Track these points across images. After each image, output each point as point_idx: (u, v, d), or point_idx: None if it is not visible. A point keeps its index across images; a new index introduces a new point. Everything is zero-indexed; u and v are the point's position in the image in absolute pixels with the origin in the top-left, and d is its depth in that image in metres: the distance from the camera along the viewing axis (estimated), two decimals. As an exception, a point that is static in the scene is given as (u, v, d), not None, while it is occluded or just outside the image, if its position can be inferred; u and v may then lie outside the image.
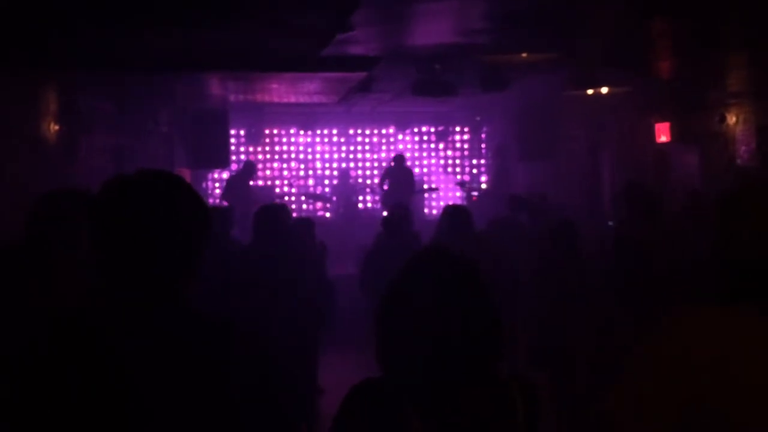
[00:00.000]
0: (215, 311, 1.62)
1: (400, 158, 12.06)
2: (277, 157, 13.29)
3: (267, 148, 13.18)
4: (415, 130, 13.48)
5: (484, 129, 13.39)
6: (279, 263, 5.10)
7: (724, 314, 1.64)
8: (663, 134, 9.53)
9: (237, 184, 11.45)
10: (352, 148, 13.55)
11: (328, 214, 12.66)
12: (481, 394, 1.66)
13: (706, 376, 1.55)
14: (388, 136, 13.47)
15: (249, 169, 11.70)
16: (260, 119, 12.50)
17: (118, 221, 1.52)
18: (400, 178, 11.75)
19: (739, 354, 1.56)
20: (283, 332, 5.11)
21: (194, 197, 1.61)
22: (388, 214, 6.43)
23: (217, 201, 12.67)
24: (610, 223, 8.07)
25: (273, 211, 5.34)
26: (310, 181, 13.43)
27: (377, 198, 12.83)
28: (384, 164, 13.02)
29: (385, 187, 11.82)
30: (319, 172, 13.46)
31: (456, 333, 1.66)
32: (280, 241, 5.21)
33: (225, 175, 12.92)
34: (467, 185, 12.57)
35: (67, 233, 3.22)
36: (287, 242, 5.27)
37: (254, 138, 12.94)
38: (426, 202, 13.49)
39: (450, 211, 6.65)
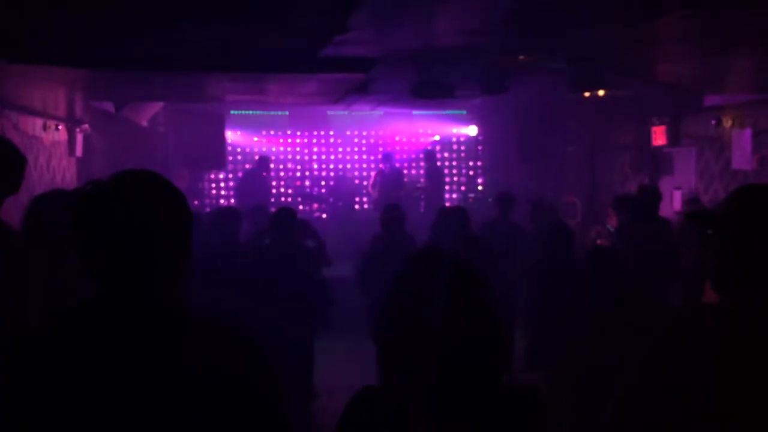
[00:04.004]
0: (211, 311, 1.61)
1: (389, 158, 12.05)
2: (273, 157, 13.29)
3: (264, 149, 13.18)
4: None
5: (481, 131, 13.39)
6: (291, 263, 5.23)
7: (742, 304, 1.67)
8: (659, 137, 9.55)
9: (252, 180, 11.40)
10: (348, 149, 13.54)
11: (324, 215, 12.66)
12: (484, 401, 1.63)
13: (715, 369, 1.57)
14: (385, 137, 13.46)
15: (263, 164, 11.66)
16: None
17: (93, 228, 1.51)
18: (390, 179, 11.75)
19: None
20: (282, 333, 5.13)
21: (170, 194, 1.58)
22: (385, 213, 6.42)
23: (214, 201, 12.67)
24: (609, 227, 8.07)
25: (289, 213, 5.45)
26: (307, 182, 13.44)
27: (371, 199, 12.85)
28: (380, 166, 13.02)
29: (376, 189, 11.84)
30: (315, 173, 13.48)
31: (459, 339, 1.63)
32: (294, 241, 5.38)
33: (221, 176, 12.92)
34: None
35: (64, 232, 3.22)
36: (299, 243, 5.43)
37: None
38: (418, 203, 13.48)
39: (447, 212, 6.66)
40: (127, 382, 1.44)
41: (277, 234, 5.38)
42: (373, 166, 13.35)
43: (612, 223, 8.09)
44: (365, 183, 13.23)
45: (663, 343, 1.67)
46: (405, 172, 12.84)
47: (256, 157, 12.06)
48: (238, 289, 5.20)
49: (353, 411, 1.67)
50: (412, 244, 6.18)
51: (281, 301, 5.13)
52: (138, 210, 1.51)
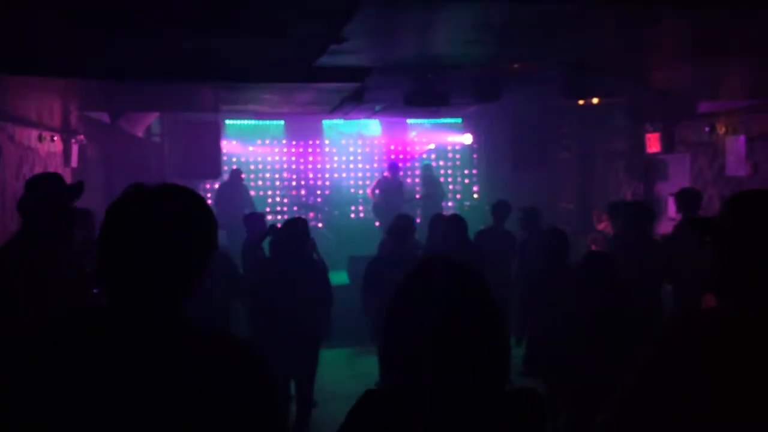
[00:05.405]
0: (215, 326, 1.64)
1: (394, 168, 12.08)
2: (269, 167, 13.29)
3: (259, 158, 13.19)
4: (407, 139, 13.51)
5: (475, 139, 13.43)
6: (303, 275, 5.21)
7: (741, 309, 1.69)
8: (653, 144, 9.59)
9: (227, 192, 11.53)
10: (344, 158, 13.54)
11: (320, 225, 12.66)
12: (485, 405, 1.65)
13: (715, 372, 1.59)
14: (380, 146, 13.48)
15: (237, 175, 11.78)
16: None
17: (132, 230, 1.56)
18: (391, 188, 11.77)
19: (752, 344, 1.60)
20: (291, 342, 5.13)
21: (207, 211, 1.65)
22: (396, 222, 6.42)
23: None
24: (605, 233, 8.09)
25: (299, 223, 5.43)
26: (302, 191, 13.44)
27: (368, 208, 12.85)
28: (376, 174, 13.02)
29: (376, 195, 11.86)
30: (311, 182, 13.48)
31: (463, 343, 1.65)
32: (305, 253, 5.37)
33: (216, 185, 12.93)
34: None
35: (60, 229, 3.25)
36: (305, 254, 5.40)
37: None
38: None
39: (445, 219, 6.67)
40: (127, 382, 1.45)
41: (288, 245, 5.30)
42: (368, 175, 13.37)
43: (600, 228, 8.12)
44: (361, 192, 13.24)
45: (663, 344, 1.70)
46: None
47: (225, 168, 12.12)
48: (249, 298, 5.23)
49: (356, 415, 1.69)
50: (417, 252, 6.22)
51: (292, 311, 5.12)
52: (148, 219, 1.56)
